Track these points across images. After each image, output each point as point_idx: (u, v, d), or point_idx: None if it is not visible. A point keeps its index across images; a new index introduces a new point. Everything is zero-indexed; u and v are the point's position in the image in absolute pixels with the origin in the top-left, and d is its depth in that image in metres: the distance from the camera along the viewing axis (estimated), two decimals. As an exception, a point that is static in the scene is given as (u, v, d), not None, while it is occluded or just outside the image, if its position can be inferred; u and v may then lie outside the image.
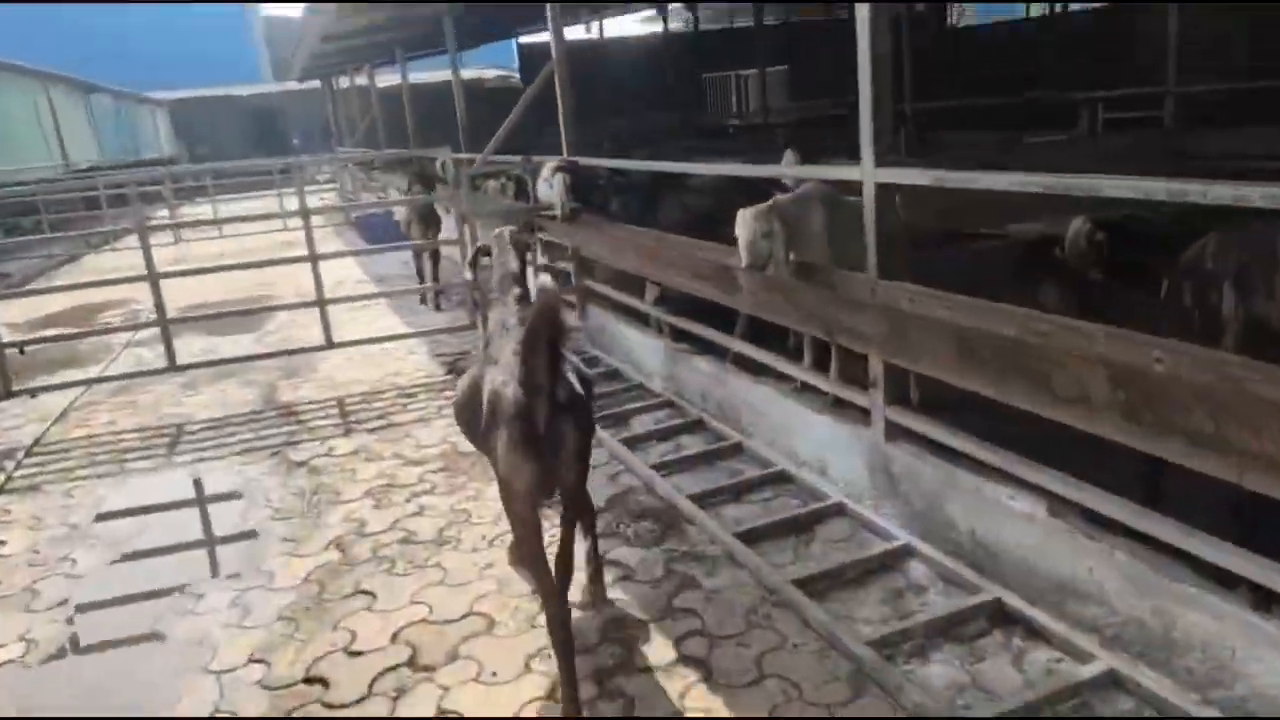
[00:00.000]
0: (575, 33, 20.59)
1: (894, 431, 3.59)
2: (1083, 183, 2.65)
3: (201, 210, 19.38)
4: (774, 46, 18.40)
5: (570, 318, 2.80)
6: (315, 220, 6.60)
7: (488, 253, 3.51)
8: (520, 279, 3.29)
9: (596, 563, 3.38)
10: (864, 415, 3.81)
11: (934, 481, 3.35)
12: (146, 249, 6.04)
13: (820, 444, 4.09)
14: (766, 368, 4.74)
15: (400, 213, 9.47)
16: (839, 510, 3.79)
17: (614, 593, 3.44)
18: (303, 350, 6.99)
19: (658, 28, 24.65)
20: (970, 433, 3.25)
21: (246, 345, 8.29)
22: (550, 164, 6.21)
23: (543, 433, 2.53)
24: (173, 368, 6.32)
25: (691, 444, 4.86)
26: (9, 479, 5.30)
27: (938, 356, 2.85)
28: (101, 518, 4.64)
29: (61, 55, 25.04)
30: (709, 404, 5.17)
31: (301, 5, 12.99)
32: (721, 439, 4.79)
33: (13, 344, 6.24)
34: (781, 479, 4.22)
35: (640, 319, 6.62)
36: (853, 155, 3.81)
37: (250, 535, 4.30)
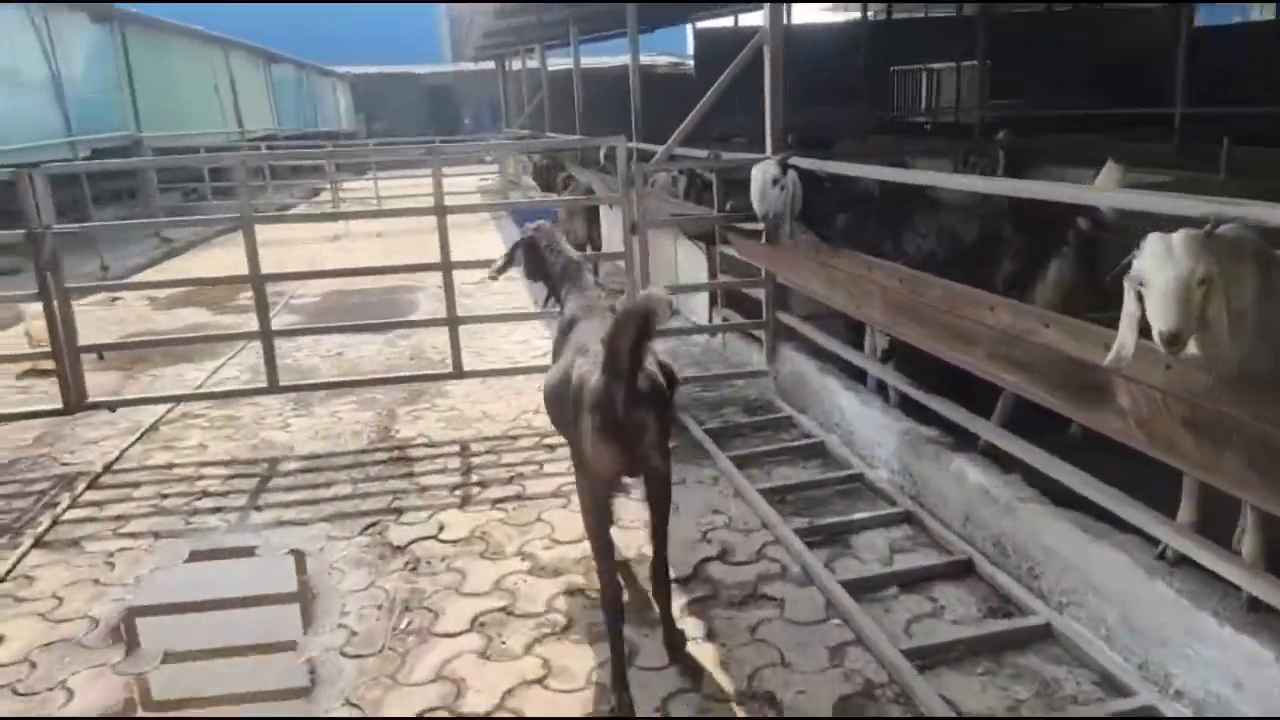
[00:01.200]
0: (757, 19, 18.80)
1: None
2: None
3: (364, 185, 19.06)
4: (972, 40, 16.03)
5: (664, 314, 2.45)
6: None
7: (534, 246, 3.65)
8: (579, 266, 3.53)
9: (665, 582, 2.98)
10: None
11: None
12: (251, 246, 4.89)
13: (1228, 677, 2.34)
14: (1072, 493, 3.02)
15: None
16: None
17: None
18: (427, 378, 5.74)
19: (841, 16, 22.60)
20: None
21: (375, 348, 7.28)
22: (770, 161, 4.63)
23: (623, 419, 2.58)
24: (273, 389, 5.18)
25: (959, 605, 3.17)
26: (55, 522, 4.27)
27: None
28: (124, 616, 3.46)
29: (248, 32, 25.38)
30: (978, 533, 3.47)
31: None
32: (1011, 606, 3.10)
33: (91, 348, 5.24)
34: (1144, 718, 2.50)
35: (854, 372, 4.99)
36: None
37: (305, 689, 2.98)
